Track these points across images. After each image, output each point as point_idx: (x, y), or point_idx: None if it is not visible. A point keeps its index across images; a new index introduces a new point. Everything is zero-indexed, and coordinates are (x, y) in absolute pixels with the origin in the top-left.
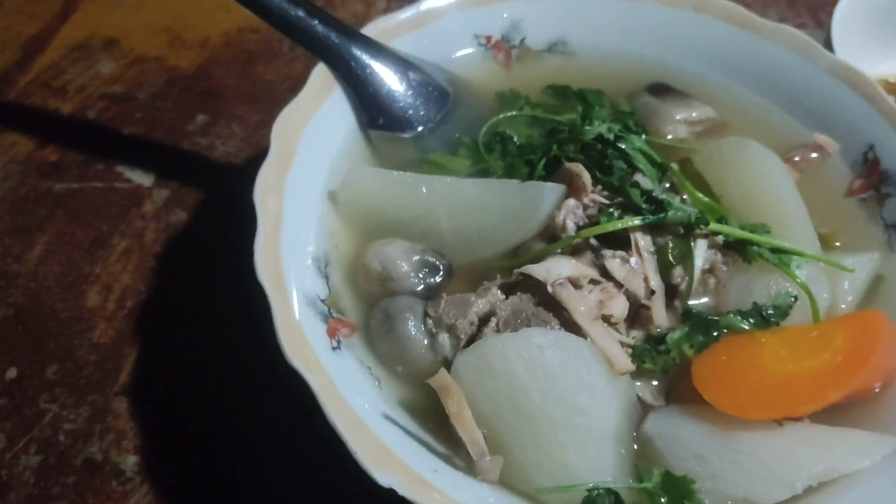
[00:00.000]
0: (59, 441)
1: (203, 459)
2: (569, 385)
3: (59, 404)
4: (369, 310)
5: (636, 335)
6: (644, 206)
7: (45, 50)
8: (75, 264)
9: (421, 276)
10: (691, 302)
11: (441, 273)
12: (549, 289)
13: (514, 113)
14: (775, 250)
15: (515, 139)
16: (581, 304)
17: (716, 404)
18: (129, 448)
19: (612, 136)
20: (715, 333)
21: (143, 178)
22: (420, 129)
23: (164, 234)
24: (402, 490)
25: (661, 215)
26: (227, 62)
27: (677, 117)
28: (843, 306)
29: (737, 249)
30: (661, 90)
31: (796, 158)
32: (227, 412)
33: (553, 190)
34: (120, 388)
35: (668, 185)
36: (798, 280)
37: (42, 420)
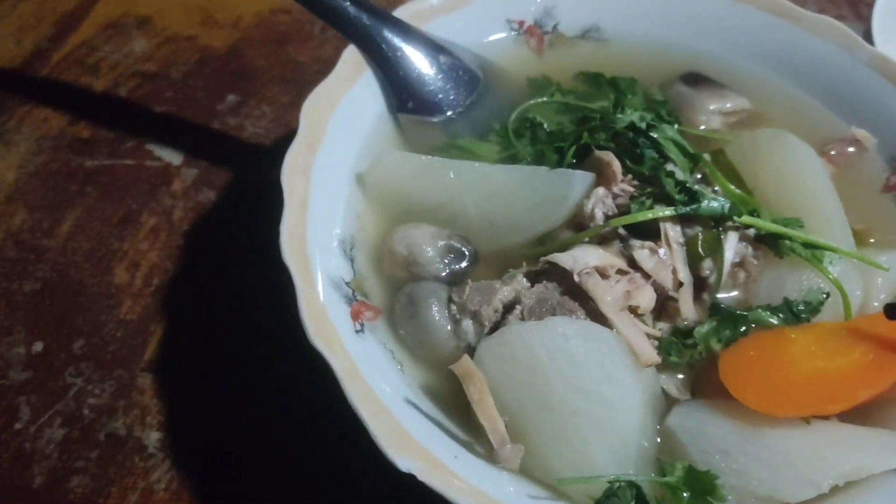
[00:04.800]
0: (83, 415)
1: (225, 438)
2: (593, 375)
3: (85, 379)
4: (394, 294)
5: (663, 327)
6: (677, 196)
7: (79, 27)
8: (104, 240)
9: (446, 261)
10: (720, 295)
11: (467, 259)
12: (576, 278)
13: (544, 99)
14: (808, 245)
15: (546, 126)
16: (607, 294)
17: (742, 400)
18: (153, 424)
19: (643, 125)
20: (743, 328)
21: (172, 157)
22: (449, 113)
23: (192, 212)
24: (421, 475)
25: (694, 206)
26: (259, 43)
27: (711, 107)
28: (875, 304)
29: (768, 243)
30: (695, 80)
31: (832, 152)
32: (250, 391)
33: (582, 178)
34: (145, 364)
35: (699, 177)
36: (830, 276)
37: (67, 394)
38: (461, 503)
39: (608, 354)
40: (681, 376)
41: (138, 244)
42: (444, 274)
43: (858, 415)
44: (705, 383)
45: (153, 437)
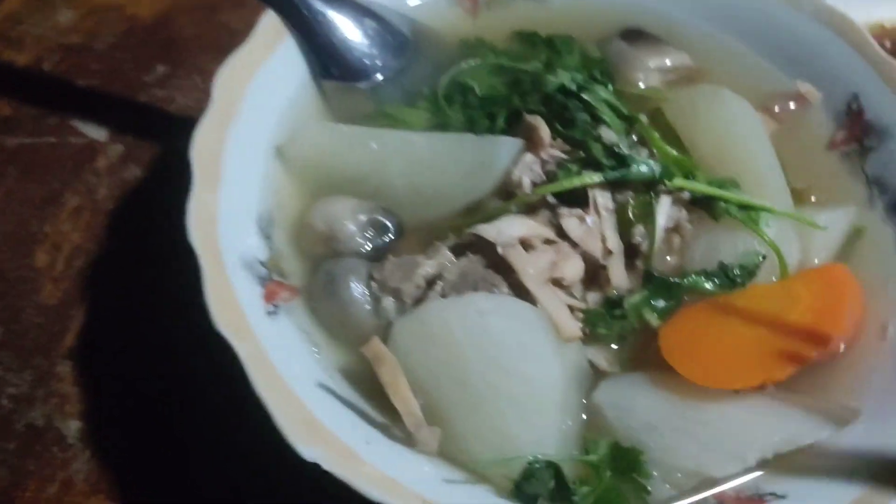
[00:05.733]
0: (1, 405)
1: (148, 426)
2: (511, 352)
3: (3, 367)
4: (313, 272)
5: (595, 298)
6: (605, 161)
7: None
8: (24, 222)
9: (368, 235)
10: (659, 263)
11: (391, 233)
12: (499, 250)
13: (476, 62)
14: (744, 206)
15: (477, 90)
16: (530, 266)
17: (689, 376)
18: (72, 413)
19: (574, 87)
20: (678, 296)
21: (97, 133)
22: (377, 79)
23: (117, 190)
24: (326, 464)
25: (622, 171)
26: (189, 10)
27: (650, 65)
28: (816, 261)
29: (704, 206)
30: (634, 36)
31: (775, 108)
32: (174, 376)
33: (510, 144)
34: (65, 351)
35: (635, 139)
36: (766, 237)
37: None
38: (366, 491)
39: (527, 330)
40: (615, 346)
41: (60, 225)
42: (365, 249)
43: (794, 381)
44: (642, 356)
45: (73, 427)
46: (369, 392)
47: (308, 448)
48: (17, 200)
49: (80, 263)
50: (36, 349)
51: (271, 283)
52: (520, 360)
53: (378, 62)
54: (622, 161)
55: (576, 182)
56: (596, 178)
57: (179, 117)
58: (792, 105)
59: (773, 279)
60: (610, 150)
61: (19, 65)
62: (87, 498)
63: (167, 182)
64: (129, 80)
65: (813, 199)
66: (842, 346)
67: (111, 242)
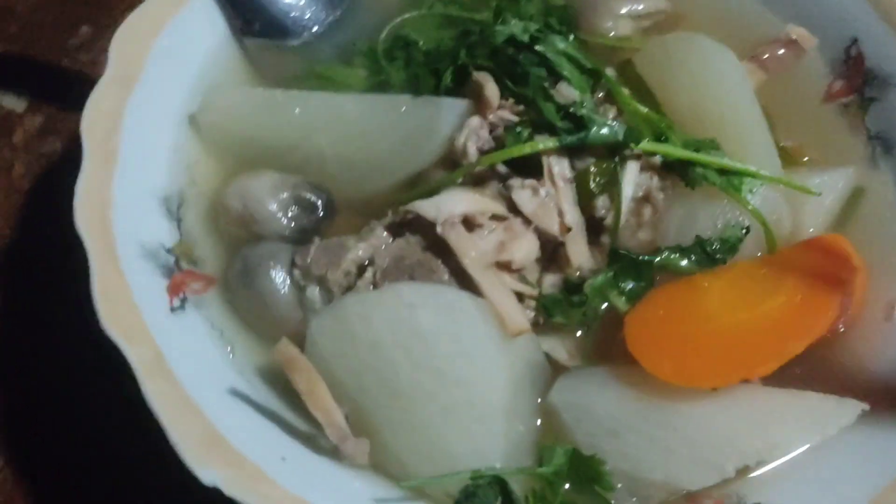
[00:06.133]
0: None
1: (60, 425)
2: (445, 351)
3: None
4: (231, 258)
5: (553, 281)
6: (560, 123)
7: None
8: None
9: (291, 215)
10: (627, 239)
11: (318, 211)
12: (439, 229)
13: (421, 12)
14: (724, 171)
15: (421, 44)
16: (472, 249)
17: (656, 373)
18: None
19: (527, 38)
20: (649, 276)
21: (14, 103)
22: (307, 35)
23: (35, 166)
24: (228, 489)
25: (580, 134)
26: None
27: (621, 10)
28: (810, 231)
29: (678, 172)
30: None
31: (764, 56)
32: (89, 370)
33: (452, 106)
34: None
35: (602, 95)
36: (749, 206)
37: None
38: None
39: (464, 325)
40: (578, 334)
41: None
42: (289, 231)
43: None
44: (608, 345)
45: None
46: (292, 396)
47: (207, 470)
48: None
49: None
50: None
51: (180, 273)
52: (456, 360)
53: (307, 15)
54: (580, 123)
55: (526, 149)
56: (550, 143)
57: None
58: (782, 52)
59: (759, 254)
60: (565, 111)
61: None
62: None
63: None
64: (51, 43)
65: (806, 159)
66: (840, 328)
67: (27, 225)
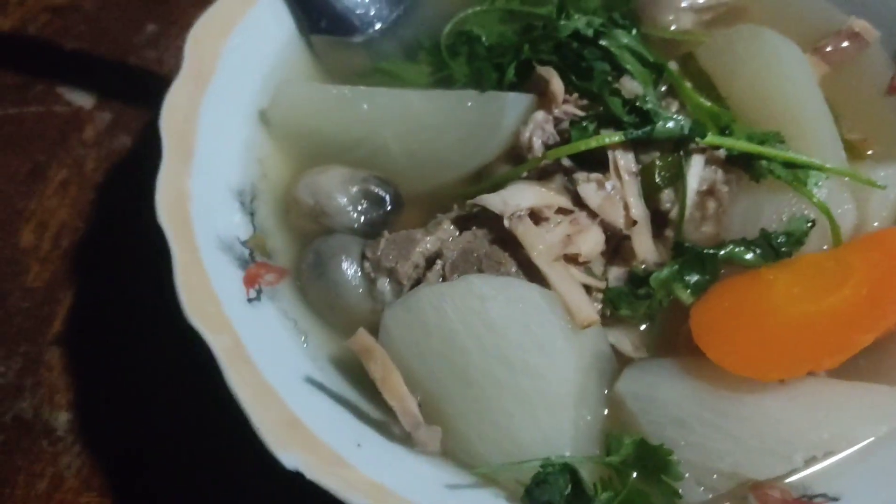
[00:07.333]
0: None
1: (138, 417)
2: (516, 342)
3: None
4: (302, 250)
5: (618, 274)
6: (625, 117)
7: None
8: (9, 200)
9: (361, 209)
10: (691, 232)
11: (386, 205)
12: (506, 223)
13: (484, 7)
14: (789, 164)
15: (484, 39)
16: (540, 241)
17: (723, 365)
18: (62, 404)
19: (590, 33)
20: (714, 270)
21: (84, 100)
22: (371, 31)
23: (106, 162)
24: (309, 473)
25: (646, 128)
26: None
27: (682, 4)
28: (875, 224)
29: (743, 165)
30: None
31: (827, 49)
32: (161, 365)
33: (517, 101)
34: (53, 337)
35: (664, 89)
36: (815, 199)
37: None
38: (354, 502)
39: (534, 316)
40: (643, 327)
41: (46, 201)
42: (359, 224)
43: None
44: (674, 338)
45: (62, 419)
46: (364, 384)
47: (288, 454)
48: (1, 176)
49: (67, 243)
50: (22, 335)
51: (254, 265)
52: (526, 352)
53: (372, 11)
54: (645, 117)
55: (593, 143)
56: (616, 137)
57: (171, 80)
58: (845, 45)
59: (825, 248)
60: (631, 105)
61: (3, 29)
62: (78, 496)
63: (159, 151)
64: (118, 41)
65: (870, 152)
66: None
67: (100, 219)
